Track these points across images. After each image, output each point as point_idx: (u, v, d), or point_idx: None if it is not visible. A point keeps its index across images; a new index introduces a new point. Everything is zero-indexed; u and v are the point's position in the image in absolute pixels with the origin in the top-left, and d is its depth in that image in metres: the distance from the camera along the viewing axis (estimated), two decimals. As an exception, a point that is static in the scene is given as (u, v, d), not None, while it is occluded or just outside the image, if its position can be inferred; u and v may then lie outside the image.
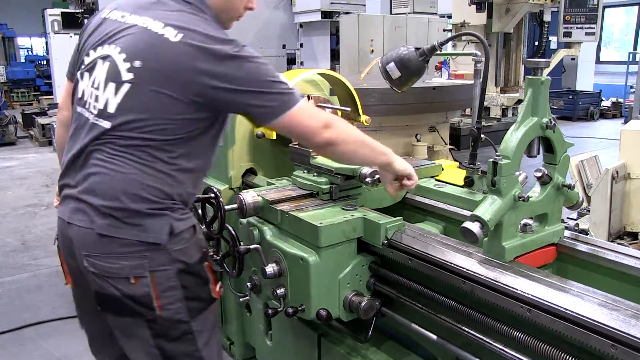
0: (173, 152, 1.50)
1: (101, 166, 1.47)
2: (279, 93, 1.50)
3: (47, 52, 14.48)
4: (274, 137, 2.36)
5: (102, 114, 1.49)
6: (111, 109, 1.48)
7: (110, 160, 1.47)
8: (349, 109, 2.39)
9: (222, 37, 1.48)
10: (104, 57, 1.53)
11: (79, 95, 1.58)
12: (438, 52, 2.13)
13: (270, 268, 1.80)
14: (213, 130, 1.59)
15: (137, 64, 1.47)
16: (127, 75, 1.47)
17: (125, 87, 1.47)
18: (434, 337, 1.63)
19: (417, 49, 2.13)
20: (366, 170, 1.88)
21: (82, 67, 1.61)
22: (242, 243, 1.96)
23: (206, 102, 1.48)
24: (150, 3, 1.57)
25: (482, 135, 2.06)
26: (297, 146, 2.14)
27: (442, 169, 2.37)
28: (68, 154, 1.57)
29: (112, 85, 1.49)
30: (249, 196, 1.94)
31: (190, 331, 1.55)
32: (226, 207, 1.89)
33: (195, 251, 1.57)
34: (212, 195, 1.91)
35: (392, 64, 2.14)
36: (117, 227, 1.45)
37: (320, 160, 2.02)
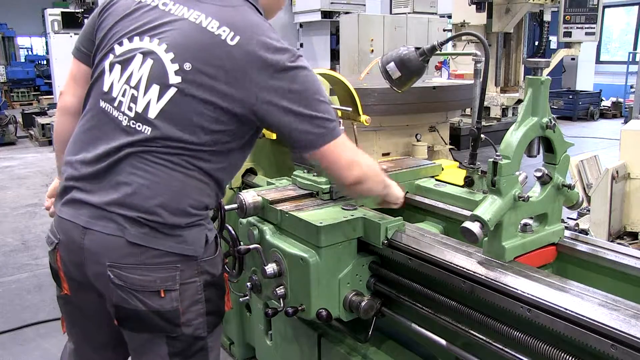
0: (212, 162, 1.39)
1: (138, 175, 1.33)
2: (325, 119, 1.38)
3: (47, 52, 14.50)
4: (274, 137, 2.36)
5: (140, 117, 1.34)
6: (152, 114, 1.33)
7: (149, 169, 1.33)
8: (349, 109, 2.39)
9: (279, 44, 1.36)
10: (146, 53, 1.36)
11: (105, 89, 1.40)
12: (438, 52, 2.13)
13: (270, 268, 1.79)
14: (250, 141, 1.50)
15: (186, 66, 1.32)
16: (174, 79, 1.32)
17: (171, 92, 1.33)
18: (435, 337, 1.63)
19: (417, 48, 2.12)
20: None
21: (111, 55, 1.41)
22: (242, 243, 1.96)
23: (253, 116, 1.37)
24: None
25: (482, 135, 2.06)
26: None
27: (442, 169, 2.37)
28: (83, 153, 1.41)
29: (156, 88, 1.34)
30: (249, 196, 1.94)
31: (205, 347, 1.46)
32: (226, 207, 1.89)
33: (220, 262, 1.51)
34: None
35: (392, 64, 2.14)
36: (153, 237, 1.33)
37: None
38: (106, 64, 1.42)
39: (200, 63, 1.32)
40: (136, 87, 1.36)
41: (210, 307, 1.45)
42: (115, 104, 1.38)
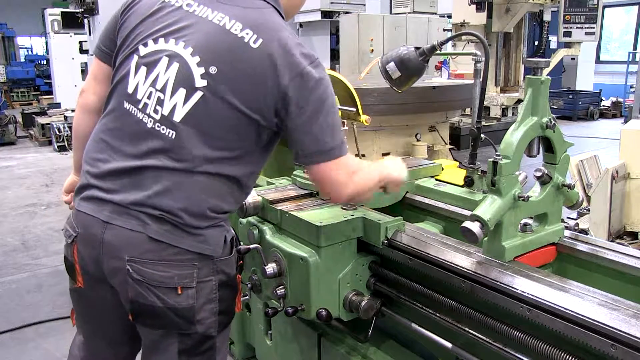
0: (235, 167, 1.40)
1: (162, 178, 1.35)
2: (337, 135, 1.39)
3: (47, 52, 14.48)
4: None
5: (166, 121, 1.35)
6: (177, 117, 1.34)
7: (172, 173, 1.35)
8: (354, 109, 2.37)
9: (302, 48, 1.36)
10: (172, 56, 1.36)
11: (130, 91, 1.41)
12: (438, 51, 2.13)
13: (270, 268, 1.79)
14: (271, 144, 1.48)
15: (212, 70, 1.32)
16: (200, 82, 1.33)
17: (197, 95, 1.33)
18: (435, 336, 1.63)
19: (417, 48, 2.12)
20: None
21: (135, 56, 1.41)
22: (241, 243, 1.96)
23: (275, 118, 1.37)
24: None
25: (482, 135, 2.06)
26: None
27: (442, 169, 2.37)
28: (107, 152, 1.41)
29: (182, 92, 1.34)
30: (249, 196, 1.93)
31: (214, 346, 1.48)
32: None
33: (234, 263, 1.52)
34: None
35: (392, 64, 2.14)
36: (174, 235, 1.35)
37: None
38: (131, 65, 1.42)
39: (225, 66, 1.33)
40: (162, 90, 1.36)
41: (223, 307, 1.46)
42: (140, 106, 1.39)
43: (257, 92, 1.33)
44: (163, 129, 1.36)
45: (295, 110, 1.35)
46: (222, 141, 1.36)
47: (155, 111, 1.37)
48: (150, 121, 1.37)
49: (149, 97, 1.38)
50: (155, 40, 1.40)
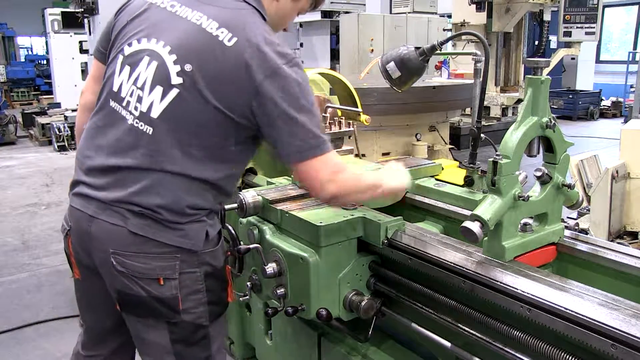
0: (210, 166, 1.43)
1: (142, 177, 1.39)
2: (314, 132, 1.39)
3: (47, 52, 14.47)
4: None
5: (144, 117, 1.40)
6: (154, 113, 1.38)
7: (151, 171, 1.39)
8: (360, 109, 2.36)
9: (278, 47, 1.38)
10: (152, 54, 1.41)
11: (115, 89, 1.46)
12: (438, 51, 2.13)
13: (270, 267, 1.79)
14: (249, 147, 1.51)
15: (187, 67, 1.36)
16: (176, 80, 1.37)
17: (174, 93, 1.37)
18: (435, 336, 1.63)
19: (417, 48, 2.12)
20: None
21: (121, 56, 1.47)
22: (242, 242, 1.96)
23: (251, 117, 1.39)
24: None
25: (482, 135, 2.06)
26: None
27: (442, 169, 2.37)
28: (93, 150, 1.47)
29: (159, 89, 1.39)
30: (249, 195, 1.93)
31: (207, 336, 1.52)
32: (226, 207, 1.89)
33: (221, 255, 1.57)
34: None
35: (392, 64, 2.14)
36: (154, 229, 1.39)
37: None
38: (117, 64, 1.48)
39: (200, 64, 1.36)
40: (142, 88, 1.41)
41: (212, 297, 1.50)
42: (124, 104, 1.44)
43: (232, 90, 1.36)
44: (141, 125, 1.40)
45: (270, 107, 1.36)
46: (197, 139, 1.39)
47: (136, 108, 1.42)
48: (131, 118, 1.42)
49: (131, 95, 1.43)
50: (139, 40, 1.45)
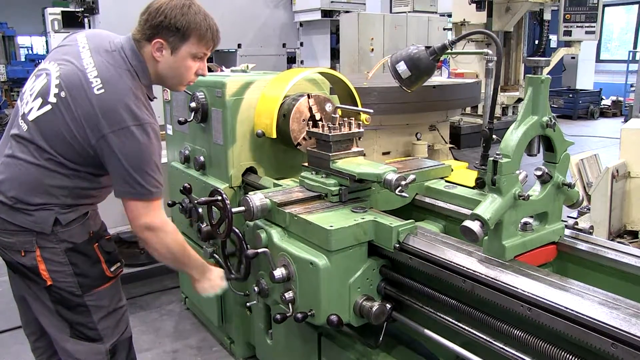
0: (61, 177, 1.71)
1: (8, 168, 1.72)
2: (141, 185, 1.68)
3: (48, 51, 14.46)
4: (274, 135, 2.36)
5: (25, 117, 1.74)
6: (31, 117, 1.72)
7: (15, 165, 1.71)
8: (371, 110, 2.33)
9: (135, 110, 1.66)
10: (48, 73, 1.75)
11: (22, 92, 1.83)
12: (449, 50, 2.11)
13: (279, 272, 1.76)
14: (94, 176, 1.77)
15: (62, 94, 1.69)
16: (52, 98, 1.70)
17: (47, 107, 1.70)
18: (446, 342, 1.61)
19: (427, 47, 2.10)
20: (391, 176, 1.79)
21: (36, 69, 1.85)
22: (248, 245, 1.94)
23: (92, 151, 1.68)
24: (105, 50, 1.76)
25: (494, 136, 2.04)
26: (315, 150, 2.05)
27: (452, 170, 2.33)
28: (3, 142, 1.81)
29: (39, 100, 1.72)
30: (257, 198, 1.90)
31: (84, 304, 1.80)
32: (233, 210, 1.86)
33: (83, 233, 1.80)
34: (219, 198, 1.89)
35: (402, 64, 2.12)
36: (9, 213, 1.71)
37: (341, 164, 1.95)
38: (32, 75, 1.85)
39: (71, 96, 1.68)
40: (31, 95, 1.76)
41: (78, 270, 1.78)
42: (22, 104, 1.79)
43: (86, 126, 1.66)
44: (22, 122, 1.75)
45: (109, 155, 1.67)
46: (55, 149, 1.69)
47: (24, 109, 1.76)
48: (21, 115, 1.77)
49: (27, 97, 1.78)
50: (49, 62, 1.81)
